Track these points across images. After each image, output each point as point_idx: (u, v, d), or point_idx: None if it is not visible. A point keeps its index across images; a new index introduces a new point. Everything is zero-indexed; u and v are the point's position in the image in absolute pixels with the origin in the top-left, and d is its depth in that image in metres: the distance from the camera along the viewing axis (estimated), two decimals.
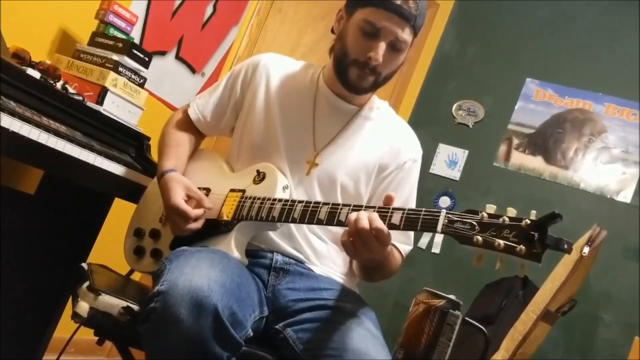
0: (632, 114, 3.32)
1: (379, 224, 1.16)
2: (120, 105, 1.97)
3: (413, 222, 1.16)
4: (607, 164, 3.33)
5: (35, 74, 1.59)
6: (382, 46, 1.37)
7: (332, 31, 1.49)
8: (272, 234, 1.42)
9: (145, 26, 2.48)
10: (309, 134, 1.48)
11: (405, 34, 1.38)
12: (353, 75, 1.42)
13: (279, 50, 1.71)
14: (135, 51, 2.03)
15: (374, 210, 1.20)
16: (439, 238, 3.48)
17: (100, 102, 1.90)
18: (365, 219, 1.16)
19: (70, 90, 1.77)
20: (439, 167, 3.66)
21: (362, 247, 1.18)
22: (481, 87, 3.71)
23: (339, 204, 1.25)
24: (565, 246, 1.02)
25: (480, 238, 1.07)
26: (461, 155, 3.64)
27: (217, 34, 2.89)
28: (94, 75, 1.95)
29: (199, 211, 1.38)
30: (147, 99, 2.12)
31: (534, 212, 1.06)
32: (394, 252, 1.42)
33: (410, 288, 3.11)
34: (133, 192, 1.67)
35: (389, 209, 1.19)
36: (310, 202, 1.29)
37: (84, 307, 1.29)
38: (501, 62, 3.70)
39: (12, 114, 1.32)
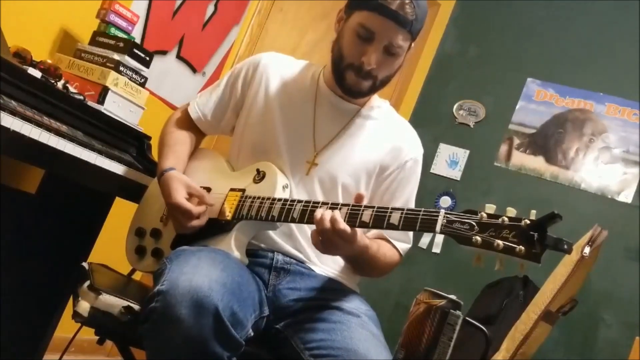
0: (633, 114, 3.32)
1: (341, 225, 1.19)
2: (121, 104, 1.97)
3: (412, 222, 1.16)
4: (608, 164, 3.32)
5: (37, 73, 1.59)
6: (376, 51, 1.37)
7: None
8: (272, 233, 1.42)
9: (146, 26, 2.48)
10: (309, 134, 1.48)
11: (401, 40, 1.37)
12: (350, 79, 1.42)
13: (280, 49, 1.70)
14: (136, 51, 2.03)
15: (374, 211, 1.20)
16: (439, 238, 3.47)
17: (101, 101, 1.90)
18: (328, 219, 1.19)
19: (71, 89, 1.77)
20: (439, 167, 3.65)
21: (329, 244, 1.22)
22: (482, 87, 3.70)
23: (337, 204, 1.25)
24: (565, 246, 1.02)
25: (479, 238, 1.07)
26: (462, 155, 3.63)
27: (218, 33, 2.89)
28: (95, 74, 1.95)
29: (201, 208, 1.38)
30: (148, 99, 2.12)
31: (533, 212, 1.06)
32: (382, 248, 1.42)
33: (411, 288, 3.11)
34: (134, 191, 1.67)
35: (387, 209, 1.20)
36: (309, 202, 1.29)
37: (84, 307, 1.29)
38: (502, 62, 3.70)
39: (13, 113, 1.32)
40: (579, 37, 3.52)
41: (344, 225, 1.19)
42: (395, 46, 1.38)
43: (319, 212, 1.22)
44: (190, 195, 1.39)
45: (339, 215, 1.20)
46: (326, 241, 1.22)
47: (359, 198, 1.23)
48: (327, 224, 1.19)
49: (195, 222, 1.37)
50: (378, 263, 1.42)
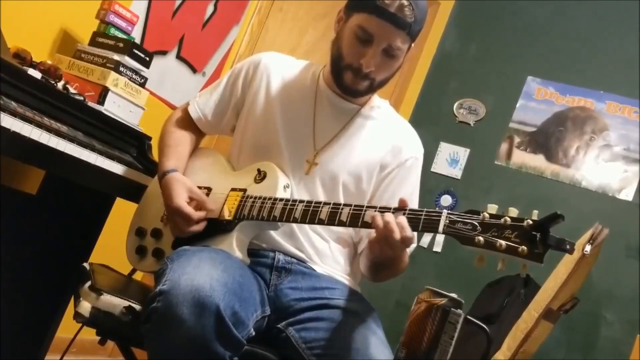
0: (633, 112, 3.32)
1: (408, 233, 1.16)
2: (122, 105, 1.97)
3: (414, 222, 1.16)
4: (608, 162, 3.32)
5: (37, 74, 1.59)
6: (374, 54, 1.37)
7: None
8: (274, 233, 1.42)
9: (146, 26, 2.48)
10: (309, 133, 1.48)
11: (400, 42, 1.37)
12: (347, 80, 1.42)
13: (280, 49, 1.70)
14: (136, 51, 2.03)
15: (375, 211, 1.20)
16: (440, 237, 3.47)
17: (101, 102, 1.90)
18: (397, 230, 1.16)
19: (72, 90, 1.77)
20: (440, 165, 3.65)
21: (388, 249, 1.19)
22: (482, 85, 3.70)
23: (339, 204, 1.25)
24: (567, 246, 1.02)
25: (481, 239, 1.07)
26: (462, 153, 3.63)
27: (218, 33, 2.89)
28: (95, 75, 1.95)
29: (201, 214, 1.38)
30: (148, 99, 2.12)
31: (535, 212, 1.06)
32: (405, 250, 1.43)
33: (412, 287, 3.11)
34: (134, 191, 1.67)
35: (389, 209, 1.19)
36: (311, 202, 1.29)
37: (86, 307, 1.29)
38: (502, 60, 3.70)
39: (14, 114, 1.32)
40: (579, 35, 3.52)
41: (410, 232, 1.16)
42: (395, 48, 1.38)
43: (379, 218, 1.18)
44: (191, 199, 1.39)
45: (405, 222, 1.17)
46: (386, 246, 1.18)
47: (403, 202, 1.21)
48: (397, 233, 1.15)
49: (194, 228, 1.37)
50: (399, 266, 1.43)
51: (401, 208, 1.19)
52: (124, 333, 1.34)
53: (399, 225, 1.16)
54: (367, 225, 1.21)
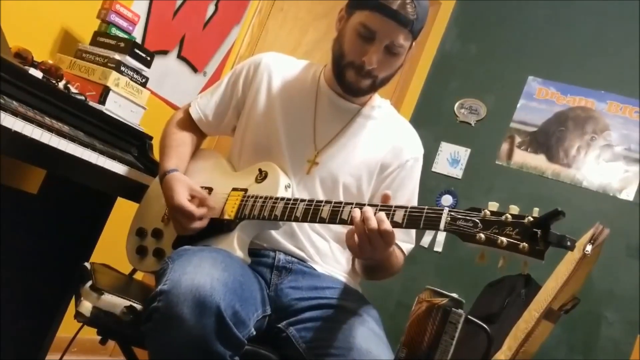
0: (634, 112, 3.32)
1: (387, 225, 1.16)
2: (123, 104, 1.97)
3: (416, 220, 1.16)
4: (609, 161, 3.32)
5: (38, 73, 1.59)
6: (377, 51, 1.37)
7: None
8: (274, 232, 1.42)
9: (147, 25, 2.48)
10: (310, 133, 1.48)
11: (402, 39, 1.37)
12: (350, 78, 1.42)
13: (281, 49, 1.70)
14: (137, 51, 2.03)
15: (377, 209, 1.20)
16: (441, 237, 3.47)
17: (102, 101, 1.90)
18: (374, 218, 1.17)
19: (73, 90, 1.77)
20: (441, 165, 3.65)
21: (368, 245, 1.18)
22: (483, 85, 3.70)
23: (341, 203, 1.25)
24: (568, 243, 1.01)
25: (483, 235, 1.07)
26: (463, 153, 3.63)
27: (219, 33, 2.89)
28: (96, 74, 1.95)
29: (203, 210, 1.38)
30: (149, 99, 2.12)
31: (536, 209, 1.06)
32: (395, 251, 1.42)
33: (412, 287, 3.11)
34: (135, 191, 1.67)
35: (391, 207, 1.19)
36: (312, 201, 1.29)
37: (87, 307, 1.29)
38: (503, 60, 3.69)
39: (15, 113, 1.32)
40: (579, 35, 3.52)
41: (389, 225, 1.16)
42: (397, 46, 1.38)
43: (357, 212, 1.19)
44: (192, 197, 1.40)
45: (384, 215, 1.17)
46: (365, 242, 1.18)
47: (386, 198, 1.21)
48: (374, 223, 1.16)
49: (197, 224, 1.37)
50: (393, 267, 1.43)
51: (402, 206, 1.19)
52: (124, 333, 1.34)
53: (378, 218, 1.17)
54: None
